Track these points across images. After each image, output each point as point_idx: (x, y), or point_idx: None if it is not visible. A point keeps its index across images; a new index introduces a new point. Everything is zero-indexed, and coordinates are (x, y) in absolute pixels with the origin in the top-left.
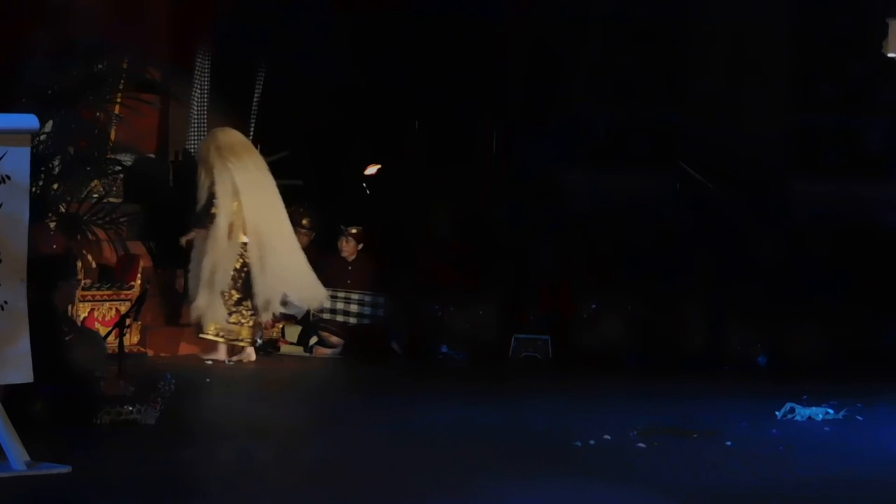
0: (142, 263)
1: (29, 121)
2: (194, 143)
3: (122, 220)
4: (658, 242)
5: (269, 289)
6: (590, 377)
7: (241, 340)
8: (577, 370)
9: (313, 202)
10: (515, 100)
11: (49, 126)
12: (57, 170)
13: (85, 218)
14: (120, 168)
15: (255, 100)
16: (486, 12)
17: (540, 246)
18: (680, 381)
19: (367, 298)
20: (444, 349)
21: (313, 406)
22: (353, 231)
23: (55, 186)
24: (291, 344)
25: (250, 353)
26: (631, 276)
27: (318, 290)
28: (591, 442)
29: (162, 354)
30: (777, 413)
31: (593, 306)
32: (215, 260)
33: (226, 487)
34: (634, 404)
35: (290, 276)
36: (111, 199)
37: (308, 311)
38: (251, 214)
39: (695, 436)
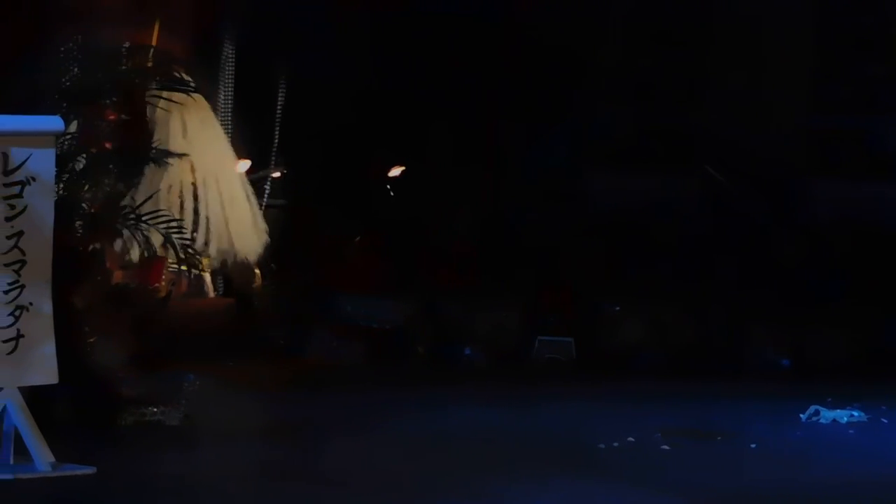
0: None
1: (54, 122)
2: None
3: (146, 219)
4: (680, 244)
5: None
6: (613, 379)
7: None
8: (601, 372)
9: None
10: (535, 101)
11: (74, 127)
12: (82, 170)
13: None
14: (145, 167)
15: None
16: (508, 13)
17: (561, 247)
18: (703, 383)
19: (389, 302)
20: (466, 351)
21: (336, 407)
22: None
23: (80, 187)
24: None
25: None
26: (653, 278)
27: None
28: (615, 444)
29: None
30: (801, 416)
31: (616, 308)
32: None
33: (247, 488)
34: (658, 406)
35: None
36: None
37: None
38: None
39: (718, 438)
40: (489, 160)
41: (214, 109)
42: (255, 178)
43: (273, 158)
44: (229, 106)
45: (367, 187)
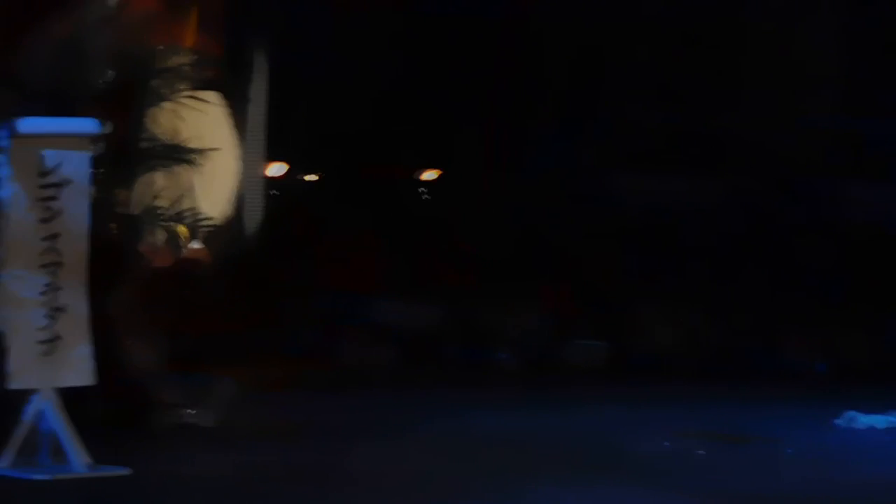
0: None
1: (89, 125)
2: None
3: (181, 219)
4: (711, 247)
5: None
6: (646, 383)
7: None
8: (633, 376)
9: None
10: (564, 103)
11: (109, 128)
12: (116, 171)
13: (145, 219)
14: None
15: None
16: (534, 15)
17: (591, 251)
18: (737, 387)
19: (419, 305)
20: (499, 355)
21: (367, 410)
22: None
23: (114, 188)
24: None
25: None
26: (685, 281)
27: None
28: (649, 448)
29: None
30: (837, 421)
31: (648, 312)
32: None
33: (279, 490)
34: (692, 411)
35: None
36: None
37: None
38: None
39: (752, 442)
40: (518, 162)
41: (244, 111)
42: (283, 180)
43: (302, 160)
44: (259, 107)
45: (395, 189)
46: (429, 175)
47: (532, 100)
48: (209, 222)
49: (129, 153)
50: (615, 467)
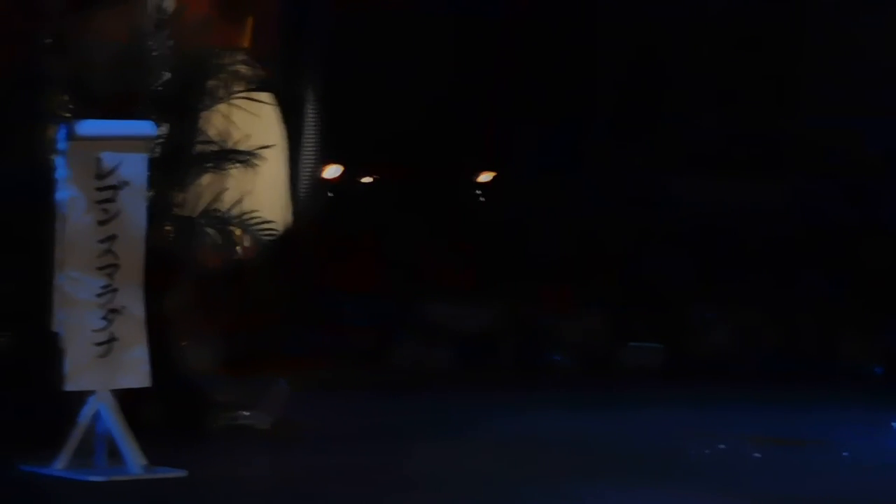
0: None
1: (146, 127)
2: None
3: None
4: (770, 249)
5: None
6: (703, 386)
7: None
8: (690, 379)
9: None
10: (623, 106)
11: (165, 130)
12: (173, 174)
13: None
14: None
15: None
16: (592, 16)
17: (649, 253)
18: (794, 390)
19: (477, 307)
20: (555, 357)
21: (425, 412)
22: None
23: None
24: None
25: None
26: (742, 284)
27: None
28: (706, 451)
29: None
30: (895, 424)
31: (706, 314)
32: None
33: (337, 492)
34: (748, 413)
35: None
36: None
37: None
38: None
39: (809, 445)
40: (576, 165)
41: (299, 112)
42: (339, 182)
43: (359, 163)
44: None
45: (451, 191)
46: (485, 177)
47: (591, 102)
48: (264, 224)
49: (186, 155)
50: (671, 470)
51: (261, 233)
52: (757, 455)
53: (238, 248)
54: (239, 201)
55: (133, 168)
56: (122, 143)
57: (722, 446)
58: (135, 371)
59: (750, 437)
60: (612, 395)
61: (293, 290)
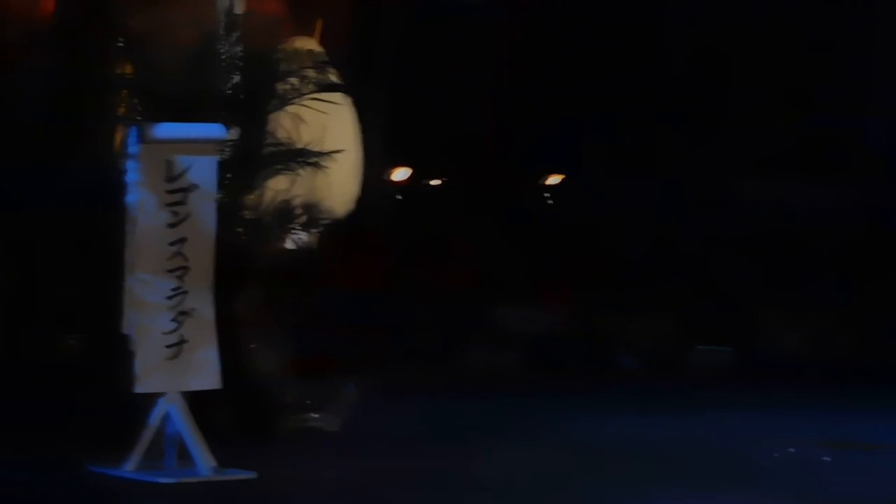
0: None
1: (216, 130)
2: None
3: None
4: (839, 252)
5: None
6: (772, 389)
7: None
8: (759, 382)
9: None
10: (690, 108)
11: (235, 133)
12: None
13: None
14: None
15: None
16: (662, 17)
17: (718, 256)
18: (864, 393)
19: (544, 310)
20: (624, 360)
21: (494, 415)
22: None
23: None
24: None
25: None
26: (812, 287)
27: None
28: (775, 455)
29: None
30: None
31: (775, 317)
32: None
33: (406, 495)
34: (818, 417)
35: None
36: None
37: None
38: None
39: (880, 450)
40: (643, 168)
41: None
42: (408, 184)
43: (427, 165)
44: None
45: (520, 194)
46: (553, 180)
47: (659, 104)
48: (334, 226)
49: (255, 158)
50: (740, 474)
51: (330, 235)
52: (826, 459)
53: (308, 250)
54: (309, 203)
55: (203, 171)
56: (192, 146)
57: (791, 450)
58: (205, 373)
59: (820, 440)
60: (681, 399)
61: (361, 294)
